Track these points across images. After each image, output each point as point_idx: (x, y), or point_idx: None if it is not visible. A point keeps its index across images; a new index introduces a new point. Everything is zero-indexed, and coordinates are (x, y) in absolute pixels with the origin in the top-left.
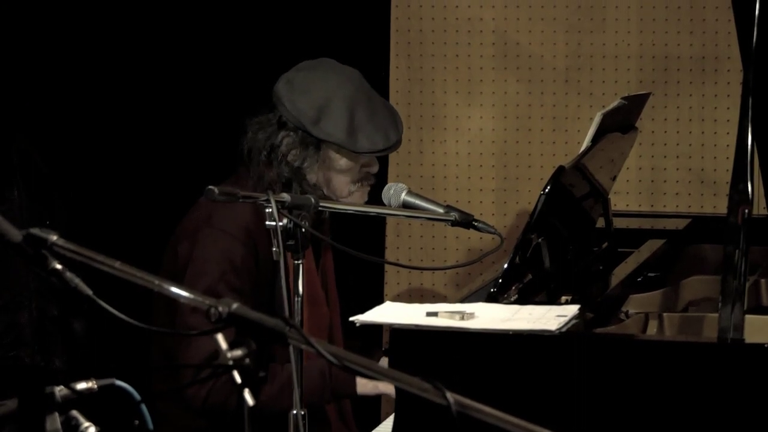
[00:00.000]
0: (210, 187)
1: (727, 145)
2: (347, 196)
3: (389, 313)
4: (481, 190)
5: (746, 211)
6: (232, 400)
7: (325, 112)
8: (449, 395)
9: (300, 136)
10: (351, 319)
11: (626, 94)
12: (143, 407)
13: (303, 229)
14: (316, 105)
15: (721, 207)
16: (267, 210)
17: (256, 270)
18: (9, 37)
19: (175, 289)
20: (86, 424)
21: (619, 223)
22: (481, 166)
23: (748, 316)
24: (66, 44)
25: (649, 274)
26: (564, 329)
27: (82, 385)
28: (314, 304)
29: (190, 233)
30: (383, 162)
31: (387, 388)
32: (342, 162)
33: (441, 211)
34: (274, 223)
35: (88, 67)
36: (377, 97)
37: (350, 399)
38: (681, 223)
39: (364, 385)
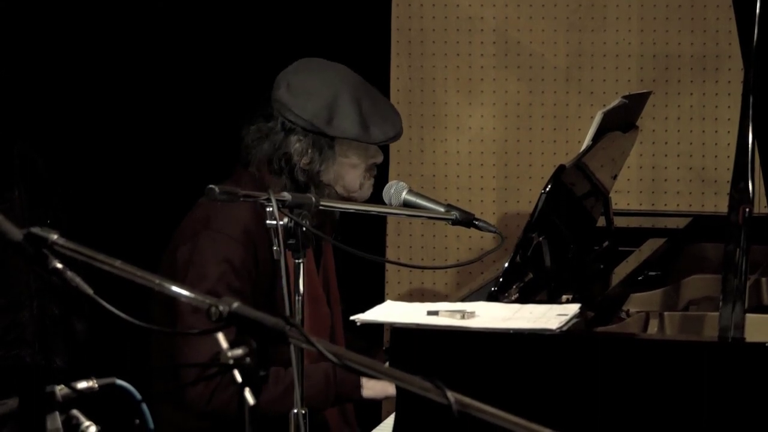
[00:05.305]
0: (211, 186)
1: (728, 144)
2: (359, 190)
3: (390, 312)
4: (481, 188)
5: (747, 209)
6: (236, 404)
7: (335, 109)
8: (450, 394)
9: (312, 139)
10: (352, 318)
11: (627, 93)
12: (144, 406)
13: (304, 228)
14: (324, 104)
15: (722, 206)
16: (268, 209)
17: (256, 271)
18: (10, 41)
19: (175, 288)
20: (87, 423)
21: (619, 221)
22: (481, 164)
23: (748, 315)
24: (66, 47)
25: (650, 273)
26: (565, 328)
27: (82, 384)
28: (315, 305)
29: (189, 236)
30: (384, 161)
31: (394, 390)
32: (354, 157)
33: (442, 210)
34: (274, 222)
35: (88, 70)
36: (371, 86)
37: (356, 403)
38: (682, 222)
39: (371, 389)
